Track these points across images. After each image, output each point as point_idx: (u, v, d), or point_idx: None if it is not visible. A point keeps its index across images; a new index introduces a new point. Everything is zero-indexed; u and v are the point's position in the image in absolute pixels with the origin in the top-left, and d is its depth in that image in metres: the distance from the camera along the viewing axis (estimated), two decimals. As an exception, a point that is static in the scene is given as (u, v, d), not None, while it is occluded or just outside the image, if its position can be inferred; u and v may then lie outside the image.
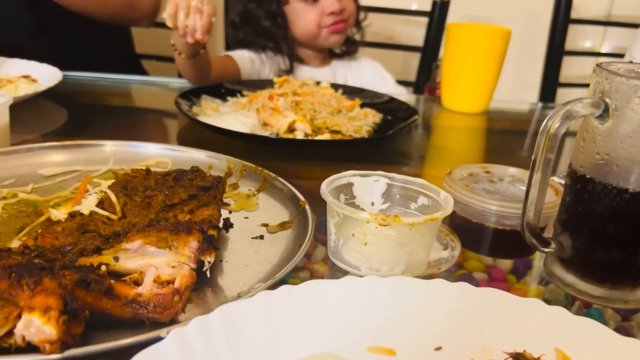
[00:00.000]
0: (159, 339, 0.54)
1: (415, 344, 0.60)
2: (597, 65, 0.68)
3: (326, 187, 0.77)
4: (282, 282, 0.71)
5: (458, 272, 0.86)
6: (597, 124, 0.67)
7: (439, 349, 0.60)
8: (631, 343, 0.57)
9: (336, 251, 0.77)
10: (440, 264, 0.80)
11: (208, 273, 0.71)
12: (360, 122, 1.46)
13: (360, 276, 0.65)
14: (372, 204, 0.85)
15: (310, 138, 1.31)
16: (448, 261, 0.80)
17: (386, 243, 0.73)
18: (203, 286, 0.71)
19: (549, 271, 0.78)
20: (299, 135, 1.33)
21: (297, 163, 1.23)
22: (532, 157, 0.68)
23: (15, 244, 0.74)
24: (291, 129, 1.35)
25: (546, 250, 0.73)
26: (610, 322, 0.78)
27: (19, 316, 0.53)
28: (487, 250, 0.87)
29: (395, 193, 0.84)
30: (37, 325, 0.52)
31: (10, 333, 0.53)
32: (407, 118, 1.47)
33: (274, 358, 0.56)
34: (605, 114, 0.65)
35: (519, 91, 3.33)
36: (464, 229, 0.86)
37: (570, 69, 3.14)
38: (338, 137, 1.36)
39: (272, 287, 0.66)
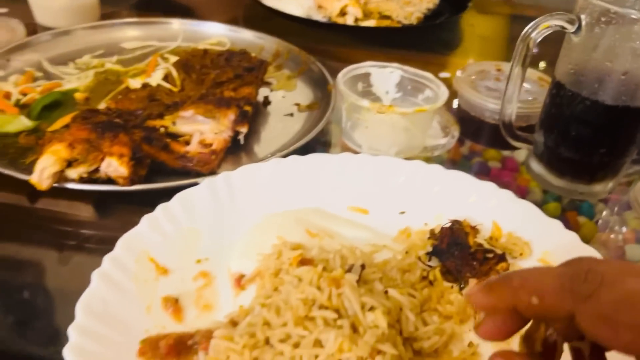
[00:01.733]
0: (196, 184, 0.76)
1: (385, 207, 0.78)
2: (581, -17, 0.75)
3: (342, 76, 0.92)
4: (313, 151, 0.88)
5: (475, 160, 1.00)
6: (572, 37, 0.76)
7: (402, 212, 0.78)
8: (554, 223, 0.72)
9: (346, 132, 0.94)
10: (436, 149, 0.95)
11: (242, 140, 0.91)
12: (413, 8, 1.52)
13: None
14: (387, 92, 0.99)
15: (356, 24, 1.41)
16: (444, 147, 0.95)
17: (384, 128, 0.88)
18: (238, 151, 0.92)
19: (526, 163, 0.92)
20: (349, 19, 1.44)
21: (345, 46, 1.36)
22: (511, 62, 0.79)
23: (102, 105, 0.98)
24: (343, 12, 1.45)
25: (516, 144, 0.86)
26: (597, 214, 0.91)
27: (102, 159, 0.76)
28: (482, 140, 1.00)
29: (407, 84, 0.97)
30: (114, 165, 0.75)
31: (97, 170, 0.77)
32: (460, 5, 1.52)
33: (276, 207, 0.76)
34: (579, 29, 0.74)
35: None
36: (465, 120, 0.99)
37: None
38: (386, 22, 1.45)
39: (287, 155, 0.85)
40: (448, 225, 0.72)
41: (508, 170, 0.97)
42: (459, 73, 1.00)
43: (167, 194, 0.74)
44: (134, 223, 0.68)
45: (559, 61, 0.81)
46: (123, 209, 0.81)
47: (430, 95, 0.94)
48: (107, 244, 0.78)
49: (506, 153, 1.00)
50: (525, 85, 0.99)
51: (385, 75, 0.97)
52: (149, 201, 0.73)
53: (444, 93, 0.90)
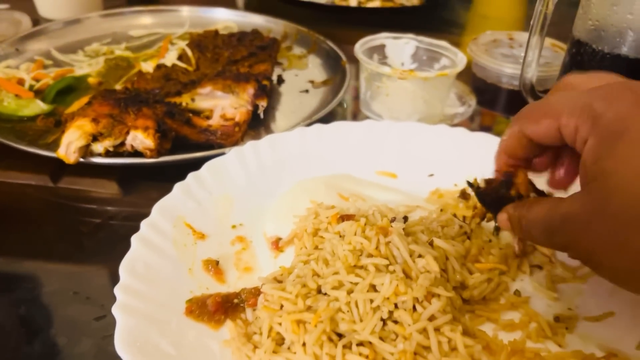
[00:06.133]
0: (223, 154, 0.75)
1: (413, 171, 0.78)
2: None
3: (360, 47, 0.92)
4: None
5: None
6: (593, -7, 0.76)
7: (431, 175, 0.78)
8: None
9: (365, 102, 0.94)
10: (455, 117, 0.95)
11: (261, 115, 0.90)
12: (415, -10, 1.53)
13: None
14: (402, 64, 0.99)
15: (361, 5, 1.42)
16: (462, 116, 0.95)
17: (404, 95, 0.88)
18: (258, 126, 0.91)
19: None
20: (353, 1, 1.44)
21: (349, 29, 1.35)
22: (530, 24, 0.79)
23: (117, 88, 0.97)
24: (346, -5, 1.46)
25: (539, 105, 0.86)
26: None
27: (127, 132, 0.75)
28: (499, 108, 1.00)
29: (422, 55, 0.97)
30: (140, 138, 0.74)
31: (122, 144, 0.76)
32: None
33: (304, 174, 0.76)
34: (600, -16, 0.74)
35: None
36: (481, 89, 0.99)
37: None
38: (389, 4, 1.45)
39: (310, 125, 0.84)
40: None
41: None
42: (472, 43, 1.00)
43: (191, 169, 0.73)
44: (159, 199, 0.66)
45: (577, 19, 0.81)
46: (147, 185, 0.80)
47: (447, 64, 0.94)
48: (133, 220, 0.77)
49: (517, 127, 1.00)
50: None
51: (400, 47, 0.98)
52: (173, 177, 0.71)
53: (462, 59, 0.90)
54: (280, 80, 1.05)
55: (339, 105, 0.94)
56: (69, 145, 0.72)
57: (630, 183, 0.39)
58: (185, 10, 1.25)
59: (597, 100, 0.44)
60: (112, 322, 0.59)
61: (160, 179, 0.81)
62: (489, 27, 1.47)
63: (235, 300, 0.56)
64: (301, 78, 1.07)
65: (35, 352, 0.55)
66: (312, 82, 1.05)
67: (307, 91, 1.02)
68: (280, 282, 0.57)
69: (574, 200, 0.44)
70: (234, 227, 0.67)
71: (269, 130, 0.91)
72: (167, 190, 0.68)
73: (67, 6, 1.27)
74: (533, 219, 0.48)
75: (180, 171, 0.71)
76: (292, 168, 0.76)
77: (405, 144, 0.80)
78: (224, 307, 0.55)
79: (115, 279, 0.65)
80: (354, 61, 1.03)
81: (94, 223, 0.75)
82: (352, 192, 0.74)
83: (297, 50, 1.17)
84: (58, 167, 0.80)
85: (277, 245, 0.65)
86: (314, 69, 1.10)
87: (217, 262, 0.61)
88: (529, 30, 0.80)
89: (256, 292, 0.56)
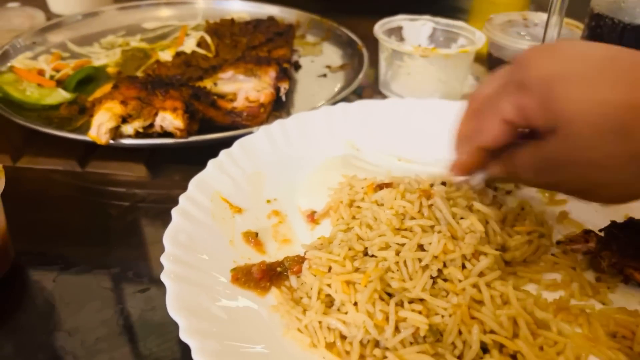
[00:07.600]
0: (251, 132, 0.75)
1: (440, 146, 0.77)
2: None
3: (379, 28, 0.92)
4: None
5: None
6: (613, -35, 0.77)
7: (458, 148, 0.78)
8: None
9: (385, 83, 0.94)
10: (474, 96, 0.95)
11: (284, 97, 0.91)
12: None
13: (402, 98, 0.83)
14: (419, 45, 0.99)
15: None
16: (481, 94, 0.96)
17: (426, 74, 0.89)
18: (280, 109, 0.92)
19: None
20: (362, -8, 1.44)
21: (360, 18, 1.36)
22: (550, 2, 0.80)
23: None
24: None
25: (560, 79, 0.86)
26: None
27: (155, 114, 0.76)
28: (517, 86, 1.01)
29: (439, 36, 0.98)
30: (169, 119, 0.74)
31: (151, 126, 0.76)
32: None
33: (331, 150, 0.76)
34: (620, -45, 0.75)
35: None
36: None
37: None
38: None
39: (334, 104, 0.84)
40: None
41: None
42: (487, 23, 1.00)
43: (217, 151, 0.72)
44: (186, 182, 0.66)
45: (596, -7, 0.82)
46: (174, 169, 0.80)
47: (464, 44, 0.95)
48: (162, 203, 0.77)
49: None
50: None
51: (417, 28, 0.98)
52: (200, 161, 0.71)
53: (480, 37, 0.91)
54: (297, 66, 1.05)
55: (353, 93, 0.94)
56: (100, 127, 0.72)
57: (583, 120, 0.43)
58: (201, 2, 1.26)
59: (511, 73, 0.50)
60: (155, 294, 0.60)
61: (187, 162, 0.81)
62: (496, 12, 1.48)
63: (279, 269, 0.56)
64: (317, 64, 1.07)
65: (81, 326, 0.55)
66: (329, 67, 1.05)
67: (324, 75, 1.03)
68: (321, 249, 0.57)
69: (549, 144, 0.46)
70: (268, 201, 0.67)
71: (291, 113, 0.92)
72: (195, 173, 0.68)
73: (78, 2, 1.28)
74: (522, 164, 0.49)
75: (207, 154, 0.71)
76: (319, 145, 0.77)
77: (430, 120, 0.80)
78: (268, 275, 0.55)
79: (150, 257, 0.66)
80: (370, 48, 1.04)
81: (123, 206, 0.75)
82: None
83: (311, 39, 1.17)
84: (85, 152, 0.80)
85: (313, 217, 0.66)
86: (330, 55, 1.11)
87: (257, 234, 0.61)
88: (547, 10, 0.81)
89: (299, 260, 0.56)
